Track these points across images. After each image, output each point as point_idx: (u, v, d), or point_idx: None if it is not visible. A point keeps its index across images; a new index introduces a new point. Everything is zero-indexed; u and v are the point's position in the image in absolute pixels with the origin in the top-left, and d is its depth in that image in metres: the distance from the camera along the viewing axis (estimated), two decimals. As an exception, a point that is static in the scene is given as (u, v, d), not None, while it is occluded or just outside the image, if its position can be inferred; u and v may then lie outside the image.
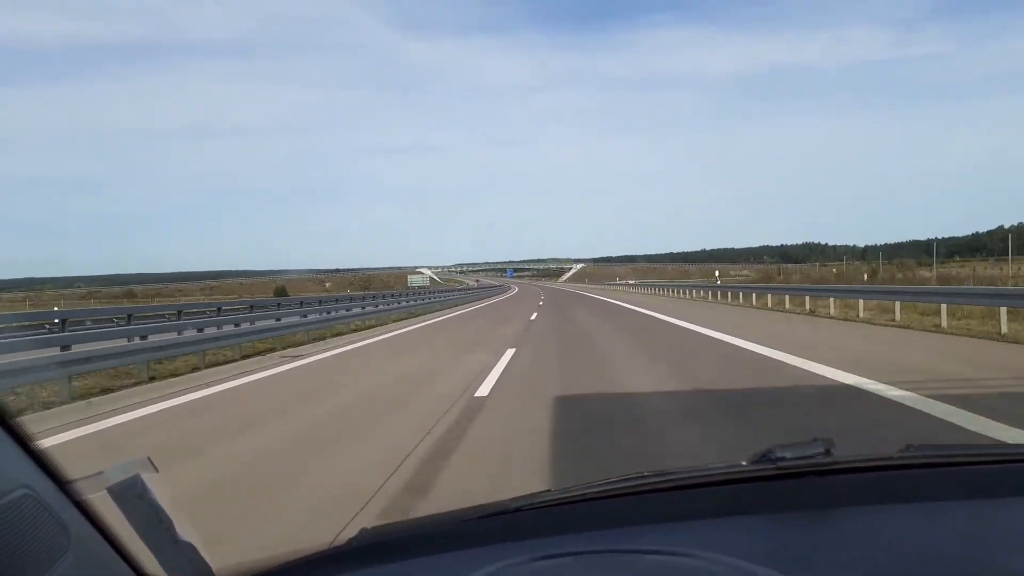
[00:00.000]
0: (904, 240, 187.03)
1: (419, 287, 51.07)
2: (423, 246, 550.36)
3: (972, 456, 0.99)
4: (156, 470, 0.76)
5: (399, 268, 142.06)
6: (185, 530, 0.75)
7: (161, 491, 0.75)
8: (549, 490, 0.92)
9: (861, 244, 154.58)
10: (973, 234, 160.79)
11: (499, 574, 0.69)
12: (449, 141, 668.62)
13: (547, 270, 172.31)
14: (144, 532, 0.73)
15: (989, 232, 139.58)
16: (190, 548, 0.75)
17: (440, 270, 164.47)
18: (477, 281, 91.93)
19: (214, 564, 0.76)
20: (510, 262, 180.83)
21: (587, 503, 0.85)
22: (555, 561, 0.72)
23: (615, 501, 0.86)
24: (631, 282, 59.69)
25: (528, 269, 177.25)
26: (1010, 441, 2.88)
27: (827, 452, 0.85)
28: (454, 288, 48.16)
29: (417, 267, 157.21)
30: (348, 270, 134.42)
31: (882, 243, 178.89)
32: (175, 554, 0.74)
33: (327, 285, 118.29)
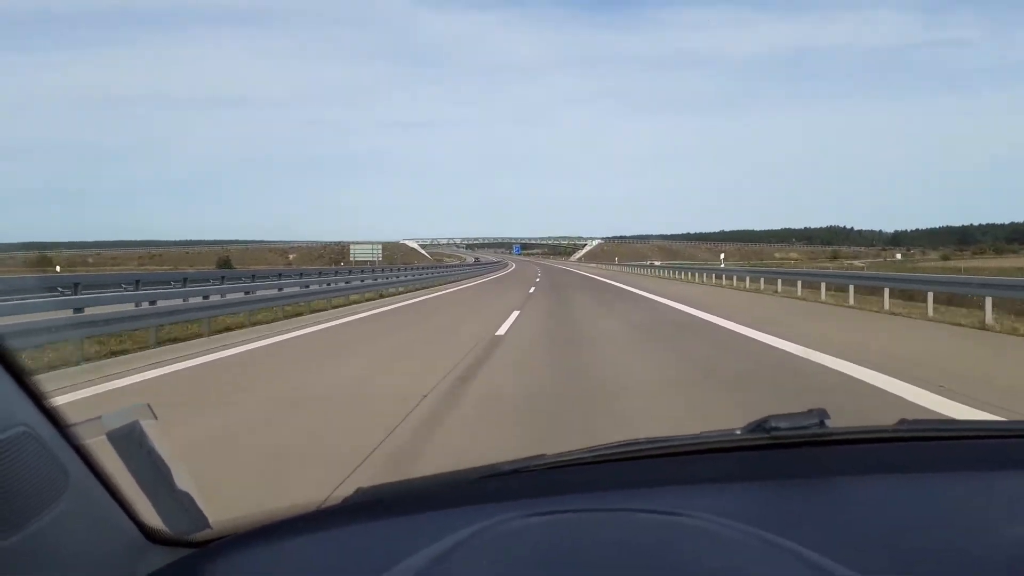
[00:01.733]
0: (936, 226, 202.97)
1: (367, 261, 46.73)
2: (425, 219, 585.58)
3: (965, 430, 1.15)
4: (155, 417, 0.86)
5: (389, 241, 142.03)
6: (183, 480, 0.85)
7: (160, 439, 0.85)
8: (544, 454, 1.01)
9: (888, 229, 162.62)
10: (1011, 223, 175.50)
11: (493, 528, 0.80)
12: (463, 116, 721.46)
13: (559, 247, 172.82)
14: (141, 479, 0.83)
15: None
16: (187, 498, 0.85)
17: (441, 243, 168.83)
18: (476, 259, 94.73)
19: (211, 516, 0.86)
20: (520, 239, 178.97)
21: (581, 467, 0.99)
22: (548, 518, 0.83)
23: (609, 466, 0.99)
24: (656, 263, 58.47)
25: (539, 246, 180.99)
26: None
27: (821, 423, 0.98)
28: (432, 266, 48.81)
29: (412, 239, 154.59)
30: (331, 243, 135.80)
31: (911, 228, 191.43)
32: (172, 503, 0.84)
33: (291, 257, 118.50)
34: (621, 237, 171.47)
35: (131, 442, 0.82)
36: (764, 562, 0.72)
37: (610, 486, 0.94)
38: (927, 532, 0.83)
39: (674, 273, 35.56)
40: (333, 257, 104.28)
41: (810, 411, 1.01)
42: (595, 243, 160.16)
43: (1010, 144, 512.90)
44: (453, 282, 30.98)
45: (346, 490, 0.98)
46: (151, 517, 0.84)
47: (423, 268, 39.31)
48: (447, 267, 44.74)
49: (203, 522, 0.86)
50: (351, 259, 44.78)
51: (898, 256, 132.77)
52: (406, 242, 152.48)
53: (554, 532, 0.82)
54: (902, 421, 1.12)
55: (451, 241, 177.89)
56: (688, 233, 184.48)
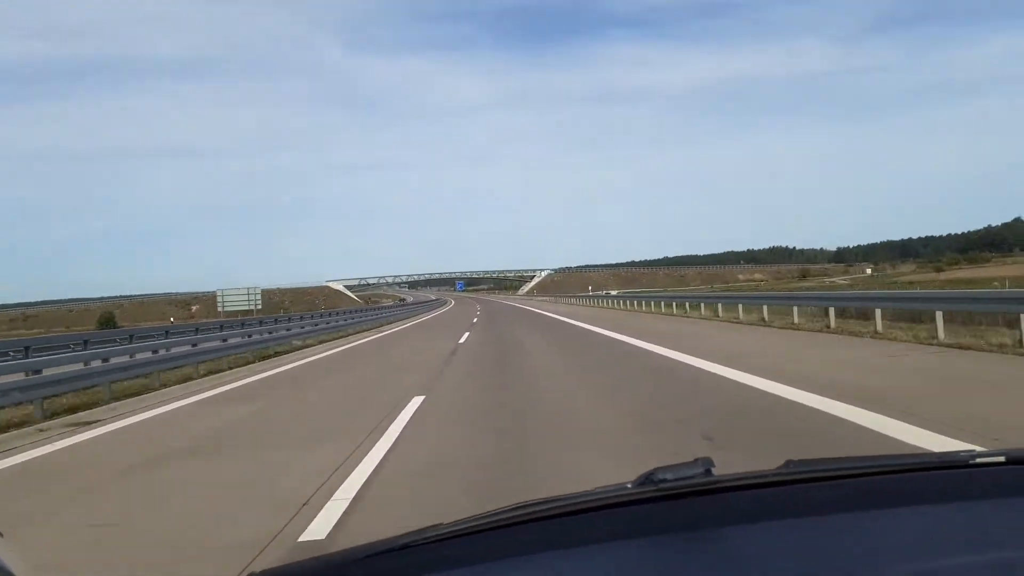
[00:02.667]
0: (877, 241, 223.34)
1: (241, 311, 38.94)
2: (365, 260, 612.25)
3: (849, 469, 1.24)
4: (1, 535, 0.92)
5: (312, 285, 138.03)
6: (18, 567, 0.86)
7: (8, 554, 0.88)
8: (439, 524, 1.11)
9: (830, 246, 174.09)
10: (949, 234, 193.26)
11: None
12: (405, 158, 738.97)
13: (506, 280, 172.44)
14: None
15: (976, 231, 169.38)
16: None
17: (380, 283, 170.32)
18: (403, 300, 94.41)
19: None
20: (466, 274, 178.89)
21: (473, 535, 1.07)
22: None
23: (500, 532, 1.08)
24: (613, 293, 56.34)
25: (485, 280, 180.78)
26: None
27: (707, 472, 1.10)
28: (348, 310, 46.52)
29: (338, 280, 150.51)
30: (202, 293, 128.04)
31: (853, 244, 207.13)
32: None
33: (193, 309, 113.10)
34: (568, 268, 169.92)
35: None
36: None
37: (498, 555, 1.01)
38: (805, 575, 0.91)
39: (634, 304, 34.16)
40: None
41: (696, 460, 1.12)
42: (544, 274, 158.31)
43: (937, 161, 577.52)
44: (367, 330, 28.22)
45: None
46: None
47: (334, 314, 37.01)
48: (366, 310, 42.76)
49: None
50: (220, 310, 39.98)
51: (868, 271, 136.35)
52: (331, 284, 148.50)
53: None
54: (788, 463, 1.22)
55: (395, 279, 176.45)
56: (634, 261, 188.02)
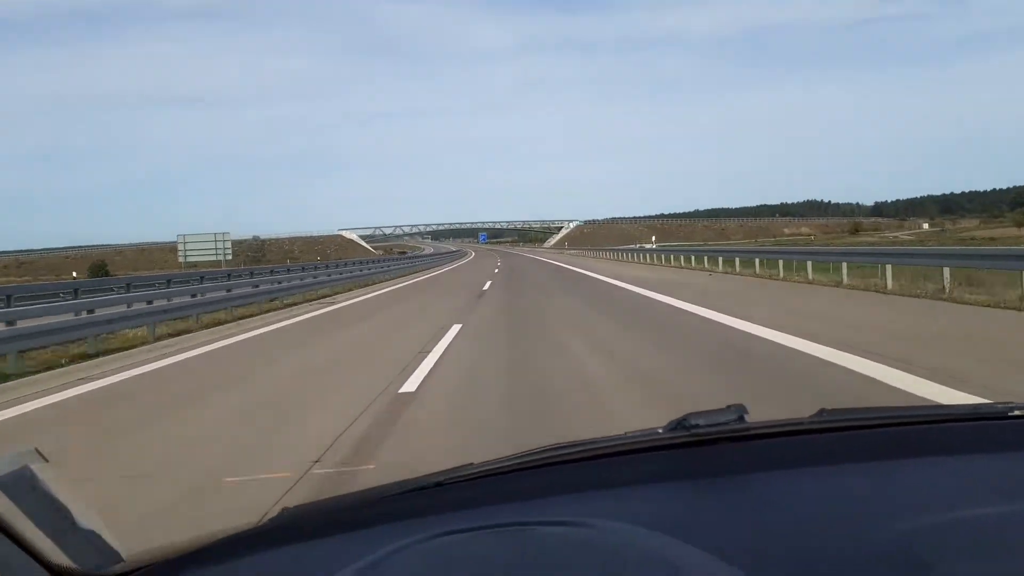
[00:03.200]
0: (916, 196, 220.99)
1: (208, 262, 36.13)
2: (388, 210, 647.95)
3: (882, 419, 1.32)
4: (46, 460, 0.96)
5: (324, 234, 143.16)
6: (88, 518, 0.96)
7: (54, 480, 0.94)
8: (471, 463, 1.19)
9: (866, 201, 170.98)
10: (994, 189, 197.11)
11: (400, 551, 0.93)
12: (428, 106, 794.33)
13: (530, 232, 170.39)
14: (42, 523, 0.92)
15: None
16: (93, 535, 0.95)
17: (398, 235, 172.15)
18: (402, 253, 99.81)
19: (122, 549, 0.97)
20: (488, 225, 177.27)
21: (506, 475, 1.15)
22: (457, 537, 0.96)
23: (534, 472, 1.15)
24: (649, 246, 52.93)
25: (510, 232, 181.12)
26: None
27: (740, 418, 1.15)
28: (358, 261, 45.51)
29: (351, 229, 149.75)
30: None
31: (891, 199, 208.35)
32: (79, 542, 0.94)
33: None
34: (595, 221, 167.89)
35: (23, 487, 0.91)
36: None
37: (530, 495, 1.08)
38: (835, 524, 0.96)
39: (674, 259, 31.42)
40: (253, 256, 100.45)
41: (729, 407, 1.17)
42: (573, 225, 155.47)
43: (981, 113, 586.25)
44: (378, 283, 26.64)
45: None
46: (59, 558, 0.91)
47: (341, 265, 34.75)
48: (374, 262, 41.25)
49: (115, 557, 0.96)
50: (180, 261, 37.14)
51: (925, 226, 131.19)
52: (344, 233, 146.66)
53: (455, 553, 0.94)
54: (821, 411, 1.27)
55: (413, 229, 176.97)
56: (663, 214, 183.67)
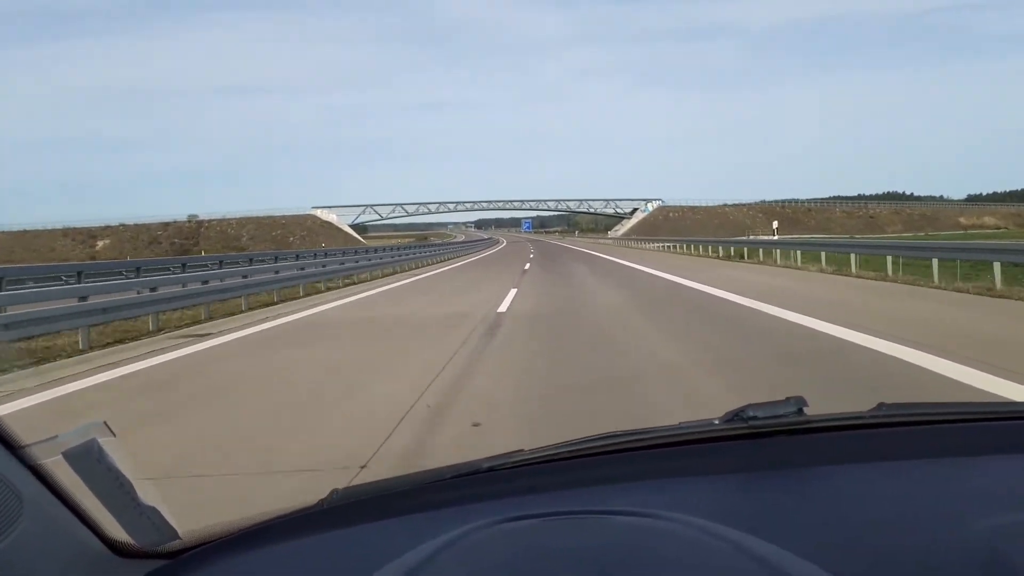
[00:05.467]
0: (1008, 189, 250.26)
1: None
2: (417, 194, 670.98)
3: (942, 414, 1.67)
4: (113, 434, 1.21)
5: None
6: (148, 494, 1.21)
7: (120, 455, 1.19)
8: (522, 449, 1.51)
9: (951, 195, 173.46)
10: None
11: (466, 536, 1.15)
12: (479, 96, 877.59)
13: (587, 219, 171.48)
14: (104, 496, 1.16)
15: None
16: (154, 512, 1.20)
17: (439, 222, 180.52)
18: (421, 242, 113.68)
19: (180, 527, 1.23)
20: (535, 206, 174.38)
21: (559, 462, 1.45)
22: (523, 523, 1.21)
23: (587, 460, 1.46)
24: (768, 237, 46.22)
25: (558, 221, 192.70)
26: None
27: (799, 411, 1.45)
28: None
29: (325, 207, 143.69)
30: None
31: (980, 192, 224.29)
32: (138, 517, 1.18)
33: (98, 245, 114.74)
34: (681, 206, 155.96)
35: (89, 460, 1.14)
36: (730, 570, 1.05)
37: (587, 483, 1.37)
38: (902, 522, 1.20)
39: (801, 257, 29.62)
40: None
41: (788, 399, 1.47)
42: (650, 208, 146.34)
43: None
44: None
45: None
46: (118, 533, 1.18)
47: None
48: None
49: (172, 534, 1.22)
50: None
51: None
52: (318, 213, 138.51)
53: (523, 539, 1.18)
54: (880, 405, 1.60)
55: (438, 212, 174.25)
56: (726, 204, 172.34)
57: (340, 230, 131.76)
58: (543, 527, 1.20)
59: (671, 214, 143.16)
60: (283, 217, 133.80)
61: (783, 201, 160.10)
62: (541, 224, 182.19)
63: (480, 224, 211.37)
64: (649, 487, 1.38)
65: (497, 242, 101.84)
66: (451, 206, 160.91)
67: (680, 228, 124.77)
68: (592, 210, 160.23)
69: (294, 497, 1.72)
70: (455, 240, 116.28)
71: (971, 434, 1.56)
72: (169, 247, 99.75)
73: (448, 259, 52.44)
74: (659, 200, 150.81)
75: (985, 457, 1.44)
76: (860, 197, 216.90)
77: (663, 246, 60.44)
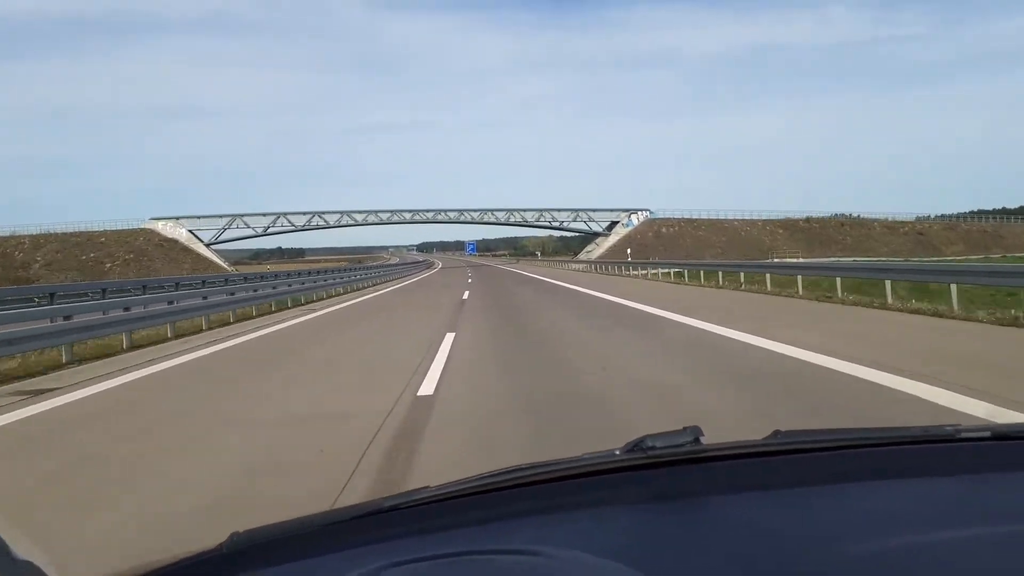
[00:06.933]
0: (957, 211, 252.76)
1: None
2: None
3: (834, 441, 2.06)
4: None
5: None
6: (24, 548, 1.43)
7: (9, 531, 1.40)
8: (427, 486, 1.80)
9: (901, 214, 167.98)
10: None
11: None
12: (421, 120, 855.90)
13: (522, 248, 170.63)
14: None
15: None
16: (30, 567, 1.42)
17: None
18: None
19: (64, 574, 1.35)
20: (476, 223, 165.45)
21: (460, 499, 1.73)
22: (416, 565, 1.45)
23: (488, 497, 1.74)
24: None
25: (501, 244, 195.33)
26: None
27: (696, 440, 1.79)
28: None
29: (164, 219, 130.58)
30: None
31: (930, 214, 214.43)
32: (15, 573, 1.39)
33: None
34: (678, 218, 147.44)
35: None
36: None
37: (488, 520, 1.65)
38: (787, 547, 1.49)
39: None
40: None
41: (685, 428, 1.82)
42: (636, 221, 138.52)
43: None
44: None
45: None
46: None
47: None
48: None
49: None
50: None
51: None
52: (154, 227, 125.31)
53: None
54: (775, 433, 2.00)
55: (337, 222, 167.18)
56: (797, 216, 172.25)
57: (190, 251, 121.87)
58: (435, 570, 1.45)
59: (663, 229, 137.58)
60: (104, 233, 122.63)
61: (806, 216, 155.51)
62: (487, 247, 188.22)
63: (423, 247, 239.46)
64: (549, 520, 1.64)
65: (431, 265, 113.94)
66: (358, 217, 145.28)
67: (678, 247, 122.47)
68: (554, 222, 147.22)
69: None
70: (379, 264, 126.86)
71: (858, 459, 1.96)
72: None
73: (356, 289, 54.76)
74: (647, 211, 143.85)
75: (869, 482, 1.81)
76: (807, 219, 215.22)
77: (660, 273, 55.50)
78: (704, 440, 1.78)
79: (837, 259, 79.81)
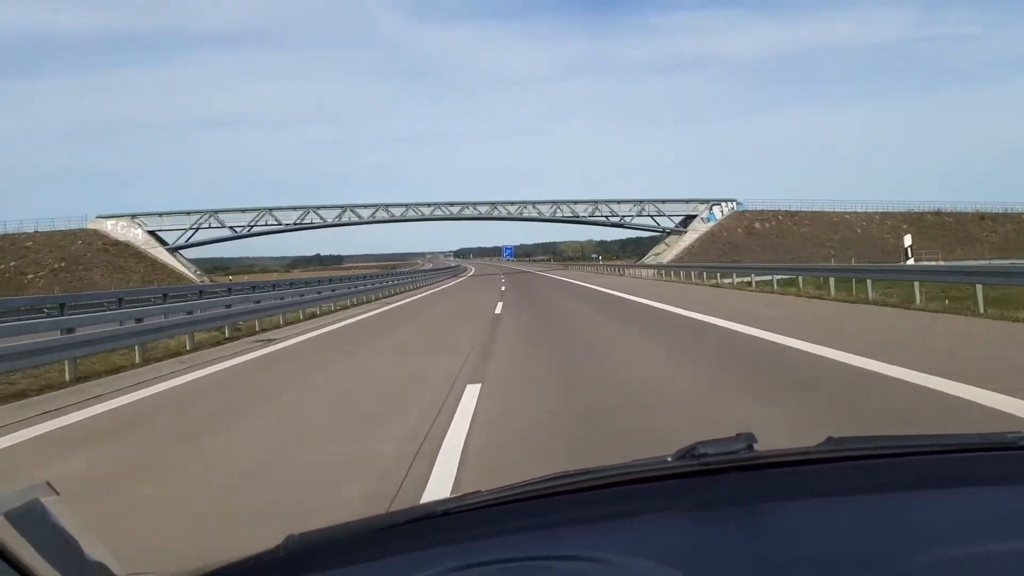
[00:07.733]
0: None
1: None
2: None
3: (891, 448, 2.17)
4: (56, 493, 1.61)
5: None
6: (95, 549, 1.63)
7: (65, 514, 1.60)
8: (479, 491, 1.92)
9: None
10: None
11: None
12: (457, 130, 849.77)
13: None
14: (49, 555, 1.53)
15: None
16: (100, 567, 1.62)
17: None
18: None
19: None
20: (516, 219, 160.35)
21: (514, 504, 1.87)
22: (473, 571, 1.56)
23: (541, 502, 1.87)
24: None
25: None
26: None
27: (749, 447, 1.90)
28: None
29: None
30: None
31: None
32: (83, 572, 1.58)
33: None
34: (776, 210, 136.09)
35: (32, 520, 1.54)
36: None
37: (541, 526, 1.77)
38: (848, 558, 1.56)
39: None
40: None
41: (738, 435, 1.94)
42: (720, 214, 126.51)
43: None
44: None
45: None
46: None
47: None
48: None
49: None
50: None
51: None
52: (102, 226, 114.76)
53: None
54: (828, 440, 2.11)
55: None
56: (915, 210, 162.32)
57: (145, 257, 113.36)
58: (496, 575, 1.57)
59: (756, 224, 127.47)
60: (33, 236, 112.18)
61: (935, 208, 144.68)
62: (524, 252, 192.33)
63: (460, 253, 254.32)
64: (600, 529, 1.77)
65: (465, 270, 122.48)
66: (363, 213, 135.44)
67: (779, 247, 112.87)
68: (612, 217, 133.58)
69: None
70: (406, 270, 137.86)
71: (916, 467, 2.04)
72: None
73: (357, 304, 52.93)
74: (733, 202, 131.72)
75: (927, 491, 1.89)
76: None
77: (754, 281, 45.92)
78: (757, 447, 1.90)
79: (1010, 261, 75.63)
